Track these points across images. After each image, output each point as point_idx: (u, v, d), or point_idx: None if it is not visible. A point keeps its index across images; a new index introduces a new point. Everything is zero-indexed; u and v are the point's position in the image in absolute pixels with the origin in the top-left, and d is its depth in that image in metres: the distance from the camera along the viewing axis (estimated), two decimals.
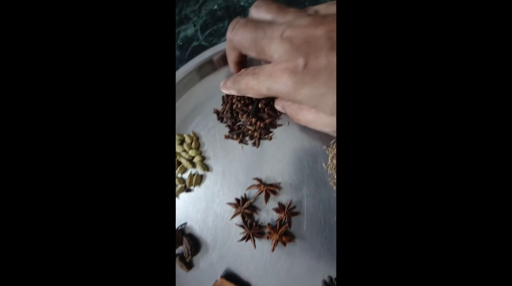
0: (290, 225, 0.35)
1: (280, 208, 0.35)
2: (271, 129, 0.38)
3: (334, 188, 0.35)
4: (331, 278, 0.33)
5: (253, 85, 0.30)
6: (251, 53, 0.30)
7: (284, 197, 0.36)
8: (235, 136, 0.38)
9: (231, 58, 0.35)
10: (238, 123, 0.38)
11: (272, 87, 0.28)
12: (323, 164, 0.36)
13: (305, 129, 0.37)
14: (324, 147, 0.36)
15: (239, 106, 0.38)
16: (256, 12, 0.31)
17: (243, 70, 0.32)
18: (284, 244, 0.34)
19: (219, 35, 0.44)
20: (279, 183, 0.36)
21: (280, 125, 0.38)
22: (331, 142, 0.35)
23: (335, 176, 0.34)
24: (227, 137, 0.38)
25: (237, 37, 0.30)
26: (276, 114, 0.38)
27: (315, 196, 0.35)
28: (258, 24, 0.29)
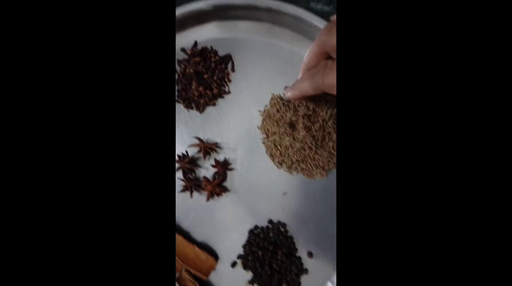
0: (224, 178, 0.39)
1: (217, 163, 0.39)
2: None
3: (264, 149, 0.39)
4: (256, 227, 0.38)
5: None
6: None
7: (222, 156, 0.40)
8: (181, 101, 0.42)
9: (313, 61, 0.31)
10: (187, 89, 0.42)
11: None
12: (257, 127, 0.40)
13: (244, 97, 0.41)
14: (259, 110, 0.40)
15: (191, 71, 0.41)
16: None
17: (314, 70, 0.30)
18: (218, 195, 0.39)
19: None
20: (218, 143, 0.40)
21: (228, 93, 0.41)
22: (264, 106, 0.39)
23: (266, 137, 0.39)
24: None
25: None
26: (224, 84, 0.41)
27: (248, 156, 0.40)
28: None
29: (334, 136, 0.35)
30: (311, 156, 0.35)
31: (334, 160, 0.35)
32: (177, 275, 0.38)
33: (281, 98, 0.37)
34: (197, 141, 0.40)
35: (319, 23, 0.39)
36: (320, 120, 0.35)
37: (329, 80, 0.28)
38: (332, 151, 0.35)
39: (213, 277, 0.38)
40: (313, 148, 0.35)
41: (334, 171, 0.36)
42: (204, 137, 0.41)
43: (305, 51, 0.31)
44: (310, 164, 0.35)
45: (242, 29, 0.42)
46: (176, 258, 0.38)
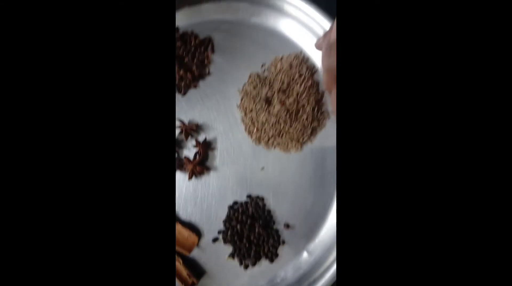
0: (206, 158, 0.40)
1: (197, 143, 0.40)
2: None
3: (243, 127, 0.40)
4: (235, 202, 0.38)
5: None
6: None
7: (203, 136, 0.41)
8: None
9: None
10: None
11: None
12: (236, 104, 0.40)
13: (224, 78, 0.42)
14: (237, 90, 0.41)
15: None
16: None
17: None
18: (199, 173, 0.39)
19: None
20: (199, 124, 0.41)
21: (209, 74, 0.42)
22: (242, 85, 0.40)
23: (244, 115, 0.39)
24: None
25: None
26: (205, 66, 0.42)
27: (228, 134, 0.40)
28: None
29: (308, 109, 0.36)
30: (286, 129, 0.36)
31: (308, 132, 0.36)
32: None
33: (258, 76, 0.38)
34: (178, 123, 0.41)
35: None
36: (295, 94, 0.35)
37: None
38: (306, 124, 0.36)
39: (196, 252, 0.38)
40: (288, 121, 0.36)
41: (309, 144, 0.37)
42: (186, 119, 0.42)
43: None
44: (285, 137, 0.36)
45: (219, 10, 0.43)
46: None
